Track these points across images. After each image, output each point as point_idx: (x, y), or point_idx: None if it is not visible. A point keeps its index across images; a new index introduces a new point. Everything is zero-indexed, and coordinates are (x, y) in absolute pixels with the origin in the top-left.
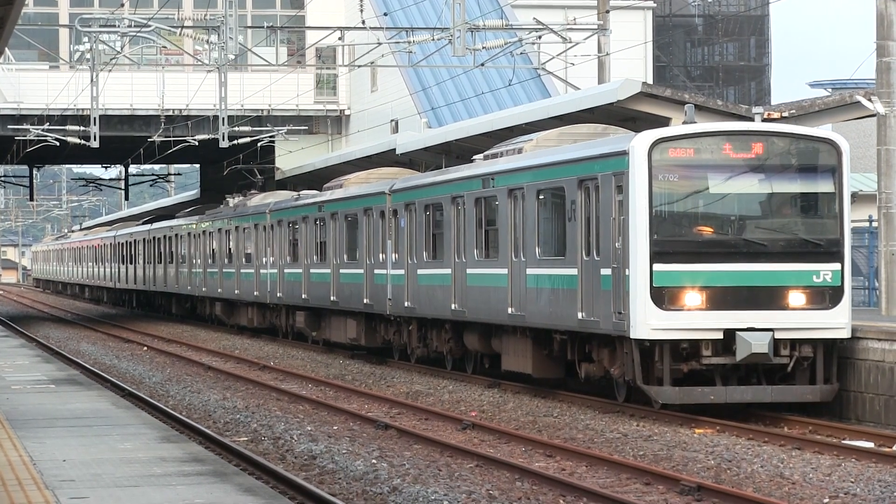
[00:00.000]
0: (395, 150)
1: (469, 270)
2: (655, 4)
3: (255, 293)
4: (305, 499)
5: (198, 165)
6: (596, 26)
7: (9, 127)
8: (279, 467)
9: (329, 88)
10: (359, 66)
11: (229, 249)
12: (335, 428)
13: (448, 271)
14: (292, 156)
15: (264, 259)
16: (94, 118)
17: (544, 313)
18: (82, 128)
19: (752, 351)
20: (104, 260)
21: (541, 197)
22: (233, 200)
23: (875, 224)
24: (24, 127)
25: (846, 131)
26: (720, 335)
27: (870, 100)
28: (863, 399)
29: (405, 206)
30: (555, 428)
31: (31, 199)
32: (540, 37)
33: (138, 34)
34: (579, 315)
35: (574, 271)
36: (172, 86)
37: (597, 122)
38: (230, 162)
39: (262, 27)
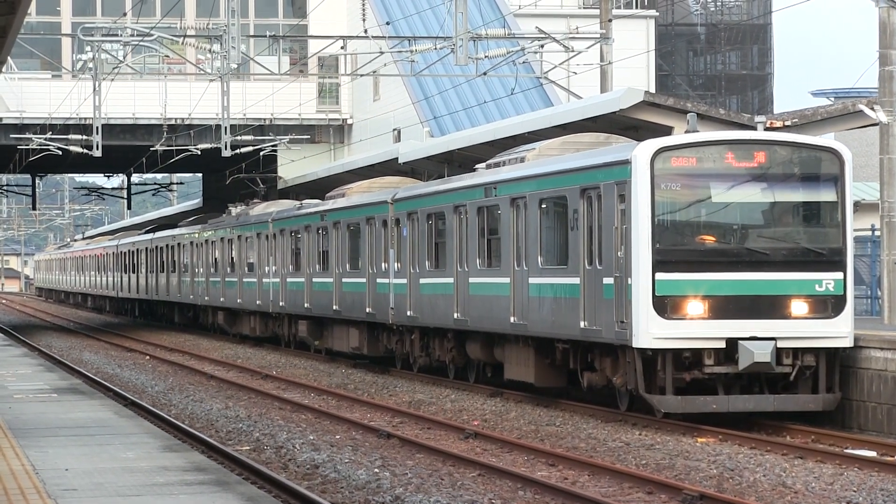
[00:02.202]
0: (397, 159)
1: (471, 279)
2: (658, 13)
3: (258, 302)
4: None
5: (200, 174)
6: (598, 35)
7: (11, 136)
8: (282, 476)
9: (331, 97)
10: (361, 76)
11: (231, 258)
12: (338, 437)
13: (450, 280)
14: (294, 165)
15: (267, 268)
16: (97, 127)
17: (546, 322)
18: (85, 137)
19: (755, 360)
20: (106, 269)
21: (543, 206)
22: (235, 209)
23: (877, 233)
24: (27, 136)
25: (849, 140)
26: (722, 344)
27: (872, 108)
28: (865, 408)
29: (407, 215)
30: (557, 437)
31: (34, 208)
32: (542, 46)
33: (141, 43)
34: (582, 324)
35: (576, 280)
36: (175, 95)
37: (599, 131)
38: (232, 171)
39: (265, 36)
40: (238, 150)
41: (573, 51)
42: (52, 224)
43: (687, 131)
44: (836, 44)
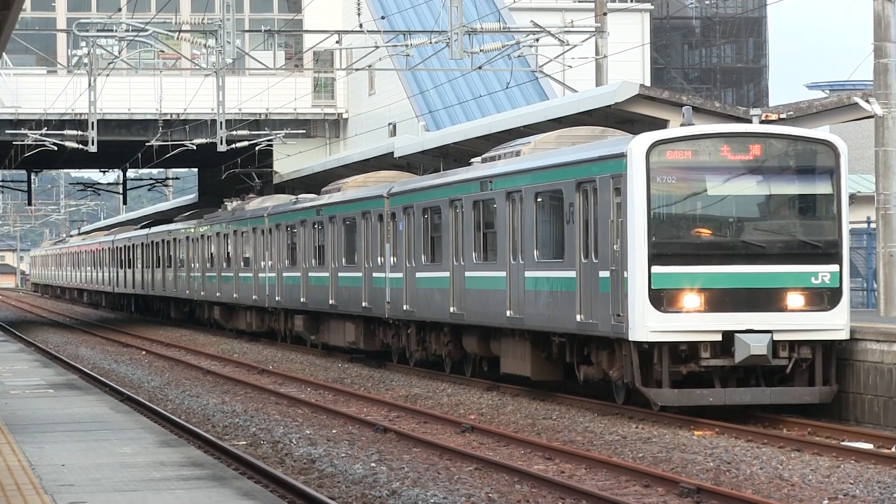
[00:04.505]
0: (392, 153)
1: (467, 273)
2: (653, 7)
3: (254, 297)
4: (304, 502)
5: (196, 169)
6: (593, 29)
7: (7, 132)
8: (278, 471)
9: (327, 92)
10: (356, 70)
11: (227, 253)
12: (334, 431)
13: (446, 274)
14: (290, 159)
15: (262, 263)
16: (92, 122)
17: (543, 316)
18: (80, 132)
19: (751, 353)
20: (102, 264)
21: (539, 199)
22: (231, 204)
23: (873, 225)
24: (22, 132)
25: (844, 133)
26: (719, 337)
27: (867, 101)
28: (861, 400)
29: (403, 210)
30: (554, 430)
31: (30, 203)
32: (537, 39)
33: (136, 38)
34: (578, 317)
35: (572, 274)
36: (170, 90)
37: (594, 125)
38: (228, 166)
39: (260, 31)
40: (234, 145)
41: (568, 44)
42: (48, 220)
43: (682, 124)
44: (831, 37)
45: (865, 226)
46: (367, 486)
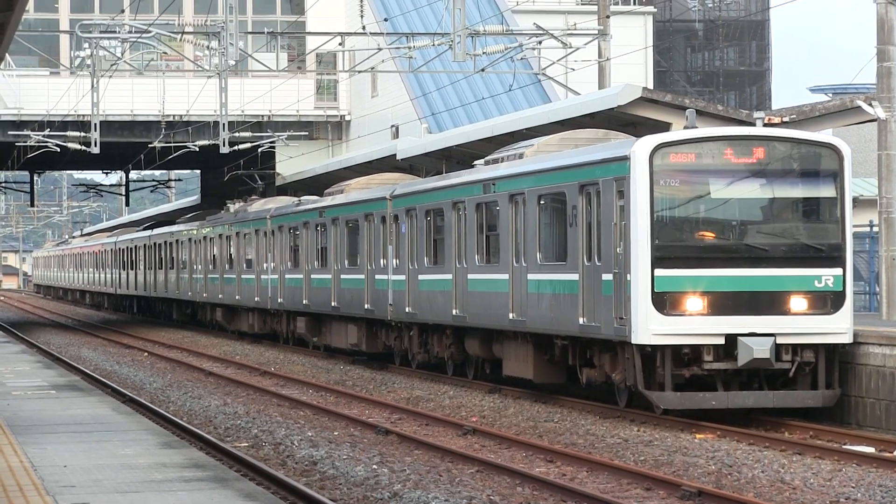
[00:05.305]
0: (395, 155)
1: (470, 276)
2: (656, 10)
3: (256, 299)
4: None
5: (198, 171)
6: (596, 31)
7: (9, 133)
8: (280, 473)
9: (329, 94)
10: (359, 72)
11: (230, 255)
12: (336, 433)
13: (449, 277)
14: (293, 161)
15: (265, 265)
16: (95, 124)
17: (545, 318)
18: (83, 134)
19: (754, 356)
20: (105, 266)
21: (542, 202)
22: (233, 206)
23: (876, 229)
24: (25, 133)
25: (847, 136)
26: (722, 340)
27: (870, 104)
28: (864, 404)
29: (406, 212)
30: (556, 433)
31: (32, 205)
32: (540, 42)
33: (139, 40)
34: (580, 320)
35: (575, 276)
36: (173, 91)
37: (597, 128)
38: (231, 168)
39: (263, 33)
40: (236, 147)
41: (571, 47)
42: (51, 221)
43: (686, 127)
44: (834, 40)
45: (868, 229)
46: (369, 488)
